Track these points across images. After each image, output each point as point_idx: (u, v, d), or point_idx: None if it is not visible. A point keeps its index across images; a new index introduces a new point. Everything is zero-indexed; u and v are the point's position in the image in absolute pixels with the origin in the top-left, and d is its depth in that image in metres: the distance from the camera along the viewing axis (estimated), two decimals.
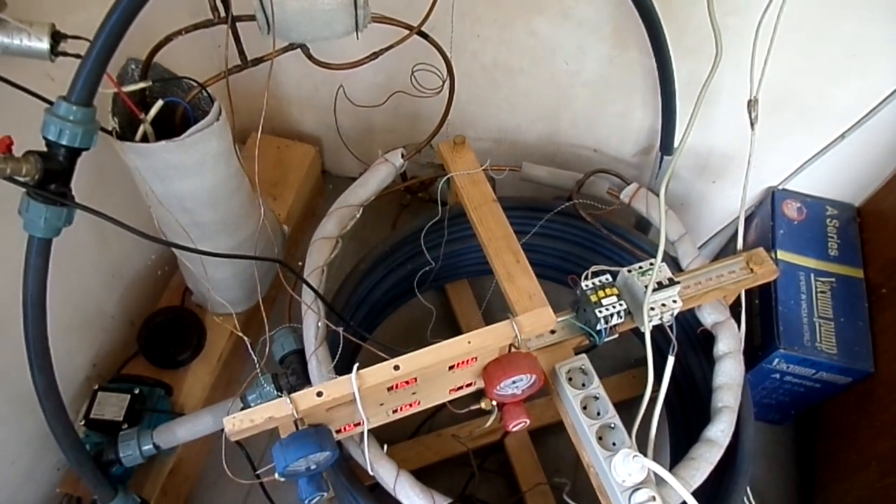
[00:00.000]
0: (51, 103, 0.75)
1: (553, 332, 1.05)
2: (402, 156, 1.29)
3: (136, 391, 1.22)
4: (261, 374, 1.12)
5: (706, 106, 1.09)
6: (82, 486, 1.21)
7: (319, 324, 1.09)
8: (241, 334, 1.09)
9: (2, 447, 1.12)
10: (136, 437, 1.14)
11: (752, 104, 1.16)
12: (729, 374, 1.07)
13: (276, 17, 0.91)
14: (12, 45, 0.78)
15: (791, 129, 1.34)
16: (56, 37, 0.79)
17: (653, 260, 1.00)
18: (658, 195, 1.09)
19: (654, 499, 0.85)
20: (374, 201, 1.27)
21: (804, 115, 1.30)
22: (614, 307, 0.99)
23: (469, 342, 0.85)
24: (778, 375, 1.35)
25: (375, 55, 1.09)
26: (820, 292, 1.34)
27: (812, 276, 1.36)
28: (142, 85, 0.97)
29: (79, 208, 0.79)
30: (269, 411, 0.79)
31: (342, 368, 1.01)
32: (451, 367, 0.87)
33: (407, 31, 1.07)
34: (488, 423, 1.03)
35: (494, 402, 0.98)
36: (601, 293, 1.01)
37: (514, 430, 0.98)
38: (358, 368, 0.81)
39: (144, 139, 1.00)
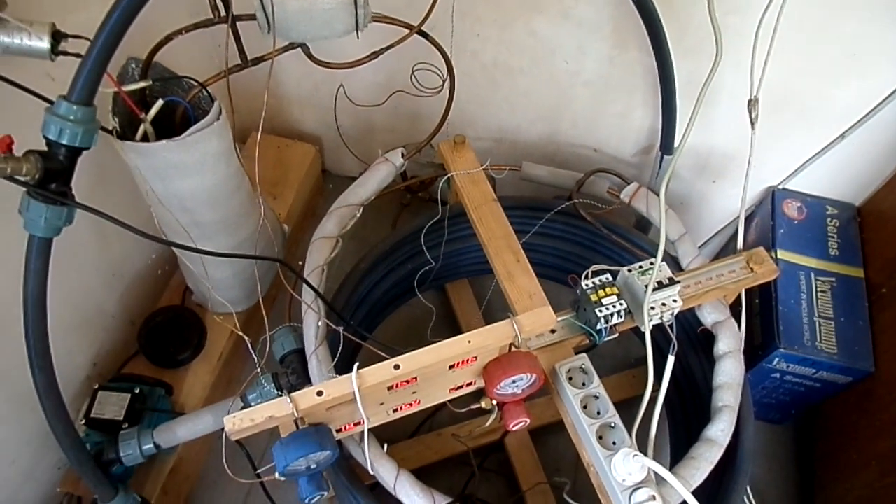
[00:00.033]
0: (51, 103, 0.75)
1: (553, 331, 1.05)
2: (403, 155, 1.30)
3: (137, 390, 1.23)
4: (261, 373, 1.12)
5: (706, 105, 1.09)
6: (83, 486, 1.21)
7: (320, 323, 1.09)
8: (241, 334, 1.09)
9: (2, 446, 1.12)
10: (137, 437, 1.14)
11: (752, 104, 1.16)
12: (729, 374, 1.07)
13: (277, 16, 0.91)
14: (13, 45, 0.78)
15: (791, 129, 1.34)
16: (56, 36, 0.79)
17: (653, 259, 1.00)
18: (658, 195, 1.09)
19: (654, 498, 0.85)
20: (374, 201, 1.27)
21: (804, 114, 1.30)
22: (614, 306, 0.99)
23: (469, 341, 0.85)
24: (778, 375, 1.35)
25: (376, 54, 1.09)
26: (820, 292, 1.34)
27: (812, 275, 1.37)
28: (142, 84, 0.97)
29: (79, 207, 0.79)
30: (270, 410, 0.79)
31: (342, 368, 1.01)
32: (451, 367, 0.87)
33: (407, 31, 1.07)
34: (488, 423, 1.03)
35: (494, 402, 0.98)
36: (601, 292, 1.01)
37: (515, 429, 0.98)
38: (358, 368, 0.81)
39: (145, 138, 1.00)
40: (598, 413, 0.94)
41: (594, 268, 1.05)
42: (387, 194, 1.36)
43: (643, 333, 0.98)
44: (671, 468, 0.91)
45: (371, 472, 0.96)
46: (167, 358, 1.37)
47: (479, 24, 1.36)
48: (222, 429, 0.80)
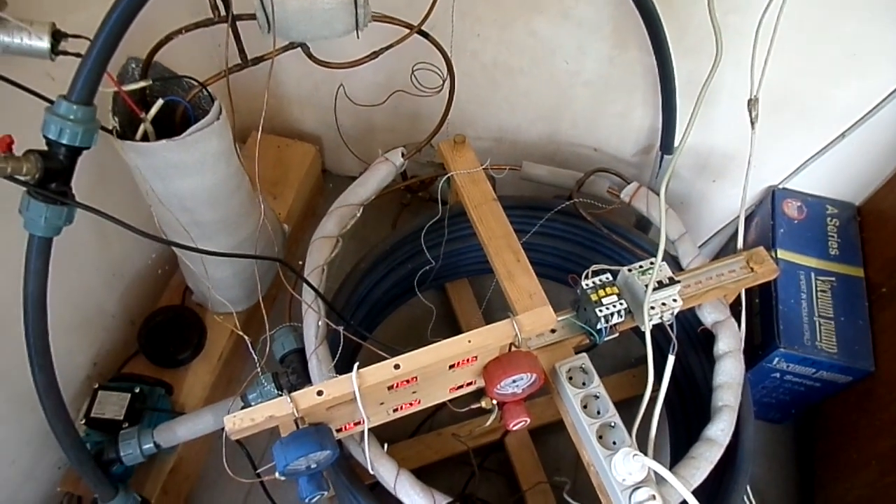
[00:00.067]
0: (51, 102, 0.75)
1: (553, 331, 1.05)
2: (403, 155, 1.30)
3: (137, 390, 1.23)
4: (261, 372, 1.12)
5: (706, 105, 1.09)
6: (83, 485, 1.21)
7: (320, 323, 1.09)
8: (241, 333, 1.09)
9: (2, 446, 1.12)
10: (137, 436, 1.14)
11: (752, 103, 1.16)
12: (729, 373, 1.07)
13: (277, 15, 0.91)
14: (13, 44, 0.78)
15: (791, 129, 1.34)
16: (56, 36, 0.79)
17: (653, 259, 1.00)
18: (658, 194, 1.09)
19: (654, 497, 0.85)
20: (374, 200, 1.27)
21: (804, 114, 1.30)
22: (615, 306, 0.99)
23: (469, 341, 0.85)
24: (778, 374, 1.35)
25: (376, 54, 1.08)
26: (820, 291, 1.34)
27: (812, 275, 1.37)
28: (142, 84, 0.97)
29: (79, 207, 0.79)
30: (270, 410, 0.79)
31: (342, 367, 1.01)
32: (451, 366, 0.87)
33: (407, 31, 1.07)
34: (489, 422, 1.03)
35: (495, 401, 0.98)
36: (601, 292, 1.01)
37: (515, 428, 0.98)
38: (358, 367, 0.81)
39: (145, 138, 1.00)
40: (599, 413, 0.94)
41: (594, 267, 1.05)
42: (387, 194, 1.36)
43: (643, 333, 0.98)
44: (671, 468, 0.91)
45: (371, 472, 0.96)
46: (167, 357, 1.37)
47: (479, 24, 1.36)
48: (222, 428, 0.80)
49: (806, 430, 1.55)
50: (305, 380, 1.10)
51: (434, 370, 0.85)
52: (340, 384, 0.81)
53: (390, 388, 0.85)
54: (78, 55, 0.75)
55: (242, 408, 0.93)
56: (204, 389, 1.37)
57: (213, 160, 1.06)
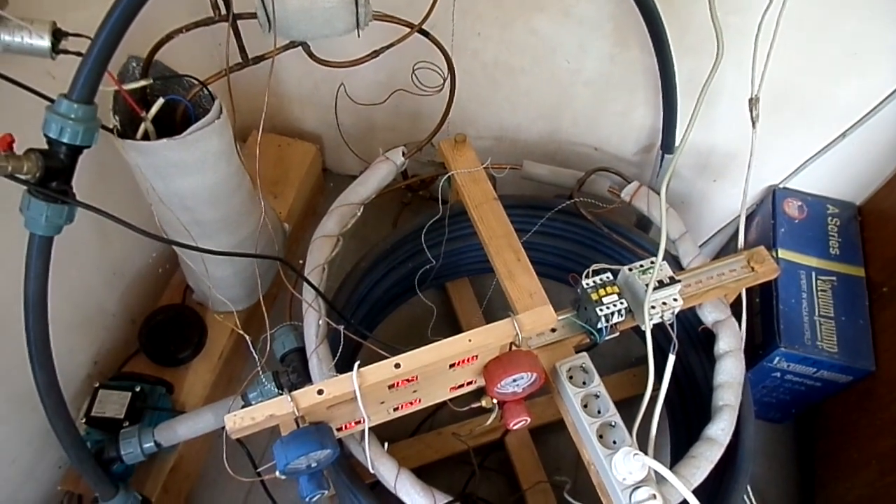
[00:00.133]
0: (52, 101, 0.75)
1: (554, 330, 1.05)
2: (403, 154, 1.29)
3: (138, 389, 1.23)
4: (262, 371, 1.13)
5: (707, 104, 1.09)
6: (83, 484, 1.21)
7: (320, 322, 1.09)
8: (241, 332, 1.09)
9: (3, 445, 1.12)
10: (138, 435, 1.14)
11: (753, 103, 1.16)
12: (729, 373, 1.07)
13: (277, 14, 0.91)
14: (13, 43, 0.78)
15: (792, 128, 1.34)
16: (57, 34, 0.79)
17: (654, 258, 1.00)
18: (659, 194, 1.09)
19: (654, 497, 0.85)
20: (374, 199, 1.27)
21: (805, 113, 1.30)
22: (615, 305, 0.99)
23: (470, 340, 0.85)
24: (778, 374, 1.35)
25: (376, 53, 1.08)
26: (821, 291, 1.34)
27: (813, 274, 1.36)
28: (143, 83, 0.97)
29: (80, 206, 0.79)
30: (270, 409, 0.79)
31: (343, 366, 1.01)
32: (451, 366, 0.87)
33: (408, 30, 1.07)
34: (489, 422, 1.03)
35: (495, 401, 0.98)
36: (602, 291, 1.01)
37: (515, 428, 0.98)
38: (359, 366, 0.81)
39: (145, 137, 1.00)
40: (599, 412, 0.94)
41: (595, 267, 1.05)
42: (387, 193, 1.36)
43: (644, 332, 0.98)
44: (671, 467, 0.91)
45: (371, 471, 0.96)
46: (168, 356, 1.37)
47: (480, 23, 1.36)
48: (223, 427, 0.80)
49: (806, 429, 1.55)
50: (306, 379, 1.10)
51: (434, 369, 0.85)
52: (341, 383, 0.81)
53: (391, 387, 0.85)
54: (79, 54, 0.75)
55: (243, 407, 0.93)
56: (204, 388, 1.38)
57: (213, 159, 1.06)
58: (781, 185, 1.48)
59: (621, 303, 1.00)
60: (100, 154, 0.85)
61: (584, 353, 1.01)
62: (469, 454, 1.28)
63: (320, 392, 0.80)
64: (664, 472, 0.83)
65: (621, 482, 0.87)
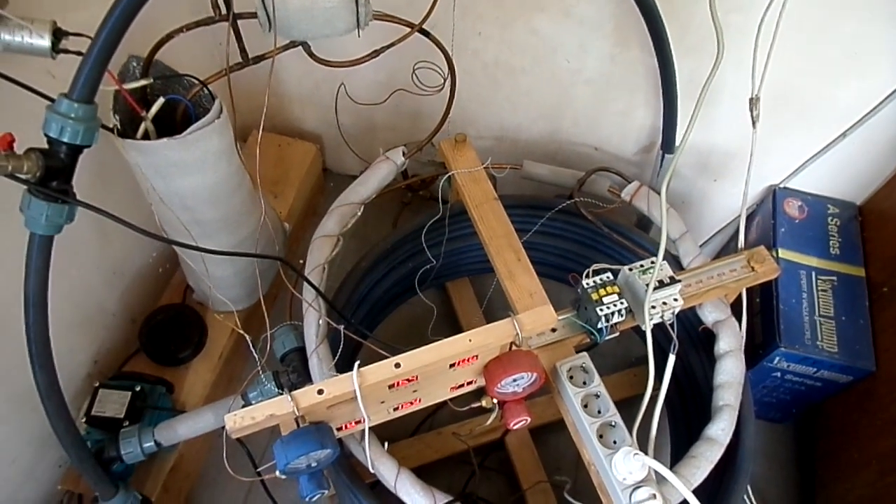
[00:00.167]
0: (52, 100, 0.75)
1: (554, 330, 1.05)
2: (403, 154, 1.29)
3: (138, 388, 1.23)
4: (262, 371, 1.13)
5: (708, 104, 1.09)
6: (83, 484, 1.21)
7: (320, 321, 1.09)
8: (242, 332, 1.09)
9: (3, 445, 1.12)
10: (138, 435, 1.14)
11: (753, 103, 1.16)
12: (730, 373, 1.07)
13: (278, 14, 0.91)
14: (14, 43, 0.78)
15: (792, 128, 1.34)
16: (57, 34, 0.79)
17: (654, 258, 1.00)
18: (659, 193, 1.09)
19: (654, 497, 0.85)
20: (375, 199, 1.27)
21: (805, 113, 1.30)
22: (615, 305, 0.99)
23: (470, 340, 0.85)
24: (779, 374, 1.35)
25: (377, 53, 1.08)
26: (821, 291, 1.34)
27: (813, 274, 1.36)
28: (143, 82, 0.97)
29: (80, 205, 0.79)
30: (270, 409, 0.79)
31: (343, 366, 1.01)
32: (451, 365, 0.87)
33: (408, 29, 1.07)
34: (489, 421, 1.03)
35: (495, 400, 0.98)
36: (602, 291, 1.01)
37: (515, 428, 0.98)
38: (359, 366, 0.81)
39: (146, 136, 1.00)
40: (599, 412, 0.94)
41: (595, 266, 1.05)
42: (388, 193, 1.36)
43: (644, 332, 0.98)
44: (672, 467, 0.91)
45: (372, 471, 0.96)
46: (168, 356, 1.37)
47: (481, 23, 1.36)
48: (223, 427, 0.80)
49: (807, 429, 1.55)
50: (306, 378, 1.10)
51: (435, 369, 0.85)
52: (341, 383, 0.81)
53: (391, 386, 0.85)
54: (79, 53, 0.75)
55: (243, 406, 0.93)
56: (204, 388, 1.38)
57: (213, 159, 1.06)
58: (782, 185, 1.48)
59: (621, 303, 1.00)
60: (100, 154, 0.85)
61: (585, 353, 1.01)
62: (469, 454, 1.28)
63: (320, 392, 0.80)
64: (664, 472, 0.83)
65: (621, 482, 0.86)
